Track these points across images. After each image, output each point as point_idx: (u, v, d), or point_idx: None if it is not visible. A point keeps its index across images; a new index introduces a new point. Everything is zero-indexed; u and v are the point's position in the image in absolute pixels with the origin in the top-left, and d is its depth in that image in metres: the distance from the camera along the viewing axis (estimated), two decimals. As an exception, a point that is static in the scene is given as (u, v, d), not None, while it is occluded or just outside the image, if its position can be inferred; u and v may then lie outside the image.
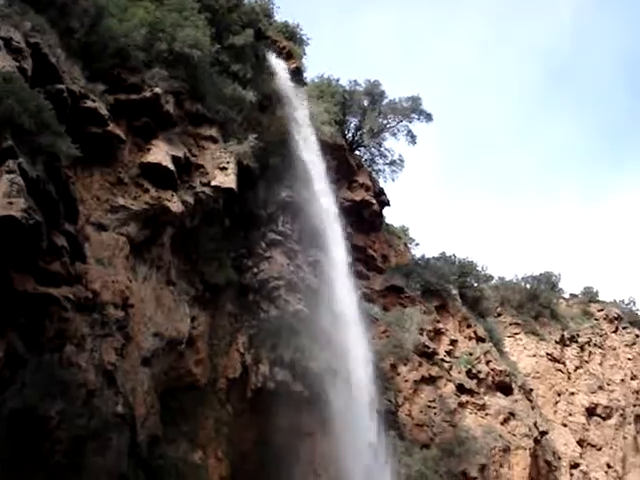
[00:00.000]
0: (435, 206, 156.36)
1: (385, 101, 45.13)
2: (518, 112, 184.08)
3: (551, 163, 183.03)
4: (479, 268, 53.13)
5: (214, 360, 27.52)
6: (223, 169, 26.45)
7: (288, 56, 36.59)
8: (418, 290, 41.68)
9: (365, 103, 44.82)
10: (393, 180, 47.33)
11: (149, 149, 23.77)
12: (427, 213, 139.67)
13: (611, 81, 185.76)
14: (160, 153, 23.76)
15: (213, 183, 25.99)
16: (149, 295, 23.93)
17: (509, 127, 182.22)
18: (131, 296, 21.91)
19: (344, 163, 39.72)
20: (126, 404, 20.99)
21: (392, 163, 46.95)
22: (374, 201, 42.25)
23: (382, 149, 46.65)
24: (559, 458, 50.10)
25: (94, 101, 21.31)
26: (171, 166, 23.78)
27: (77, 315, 19.08)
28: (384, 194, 44.77)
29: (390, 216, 58.05)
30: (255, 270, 29.72)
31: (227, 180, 26.27)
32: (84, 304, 19.49)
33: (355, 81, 44.63)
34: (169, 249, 25.20)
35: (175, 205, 23.90)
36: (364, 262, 40.64)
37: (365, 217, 41.99)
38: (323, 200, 32.66)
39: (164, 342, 24.37)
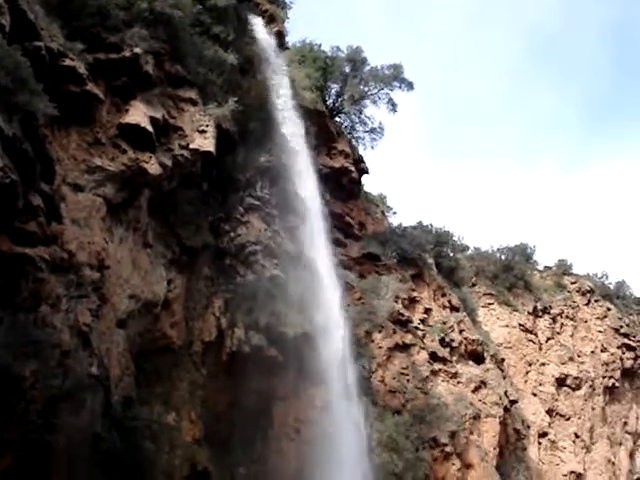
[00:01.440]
0: (414, 175, 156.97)
1: (367, 68, 44.98)
2: (502, 84, 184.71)
3: (533, 135, 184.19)
4: (455, 238, 53.85)
5: (190, 323, 27.55)
6: (202, 132, 26.20)
7: (270, 19, 36.16)
8: (394, 258, 41.95)
9: (346, 69, 44.61)
10: (372, 148, 47.46)
11: (127, 110, 23.42)
12: (406, 182, 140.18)
13: (596, 54, 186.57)
14: (139, 114, 23.45)
15: (192, 146, 25.73)
16: (125, 257, 23.84)
17: (493, 98, 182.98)
18: (107, 258, 21.80)
19: (324, 129, 39.60)
20: (101, 365, 20.99)
21: (372, 131, 46.96)
22: (353, 168, 42.25)
23: (362, 116, 46.62)
24: (528, 427, 51.12)
25: (73, 60, 20.91)
26: (149, 127, 23.51)
27: (52, 276, 18.98)
28: (363, 162, 44.78)
29: (368, 184, 58.17)
30: (232, 234, 29.64)
31: (206, 143, 26.05)
32: (59, 265, 19.35)
33: (337, 47, 44.42)
34: (146, 211, 25.05)
35: (153, 167, 23.67)
36: (341, 229, 40.74)
37: (343, 184, 42.00)
38: (302, 166, 32.61)
39: (140, 304, 24.33)
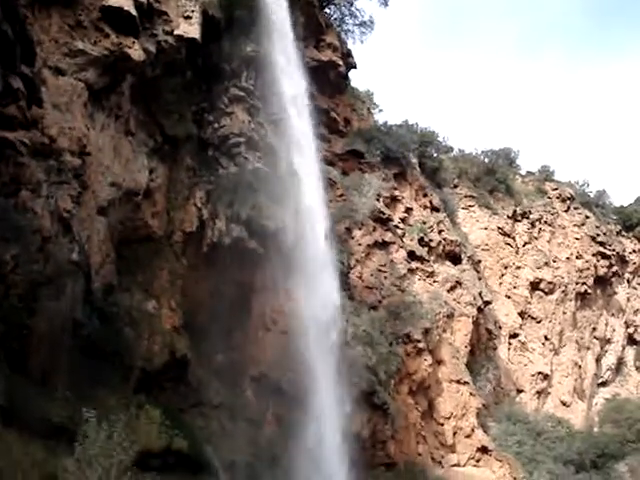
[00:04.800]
0: (402, 73, 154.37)
1: (359, -43, 43.59)
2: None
3: (530, 38, 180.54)
4: (440, 139, 53.62)
5: (171, 213, 27.56)
6: (187, 18, 25.46)
7: None
8: (378, 156, 41.82)
9: (339, -43, 43.24)
10: (362, 42, 46.61)
11: (111, -8, 22.71)
12: (394, 79, 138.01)
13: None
14: (122, -4, 22.75)
15: (176, 32, 25.04)
16: (107, 144, 23.58)
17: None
18: (88, 144, 21.54)
19: (313, 20, 38.60)
20: (81, 252, 21.08)
21: (362, 24, 45.89)
22: (341, 62, 41.45)
23: (353, 9, 45.51)
24: (500, 327, 52.34)
25: (53, -63, 20.15)
26: (133, 11, 22.78)
27: (33, 160, 18.83)
28: (351, 56, 43.92)
29: (356, 80, 57.35)
30: (216, 125, 29.25)
31: (191, 30, 25.37)
32: (40, 150, 19.18)
33: None
34: (128, 98, 24.62)
35: (136, 52, 23.10)
36: (326, 125, 40.30)
37: (330, 79, 41.26)
38: (289, 57, 31.90)
39: (121, 192, 24.27)
